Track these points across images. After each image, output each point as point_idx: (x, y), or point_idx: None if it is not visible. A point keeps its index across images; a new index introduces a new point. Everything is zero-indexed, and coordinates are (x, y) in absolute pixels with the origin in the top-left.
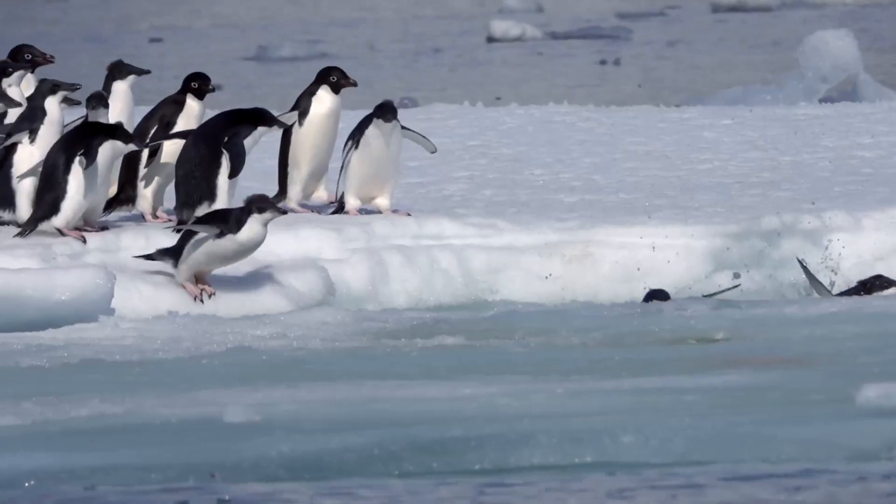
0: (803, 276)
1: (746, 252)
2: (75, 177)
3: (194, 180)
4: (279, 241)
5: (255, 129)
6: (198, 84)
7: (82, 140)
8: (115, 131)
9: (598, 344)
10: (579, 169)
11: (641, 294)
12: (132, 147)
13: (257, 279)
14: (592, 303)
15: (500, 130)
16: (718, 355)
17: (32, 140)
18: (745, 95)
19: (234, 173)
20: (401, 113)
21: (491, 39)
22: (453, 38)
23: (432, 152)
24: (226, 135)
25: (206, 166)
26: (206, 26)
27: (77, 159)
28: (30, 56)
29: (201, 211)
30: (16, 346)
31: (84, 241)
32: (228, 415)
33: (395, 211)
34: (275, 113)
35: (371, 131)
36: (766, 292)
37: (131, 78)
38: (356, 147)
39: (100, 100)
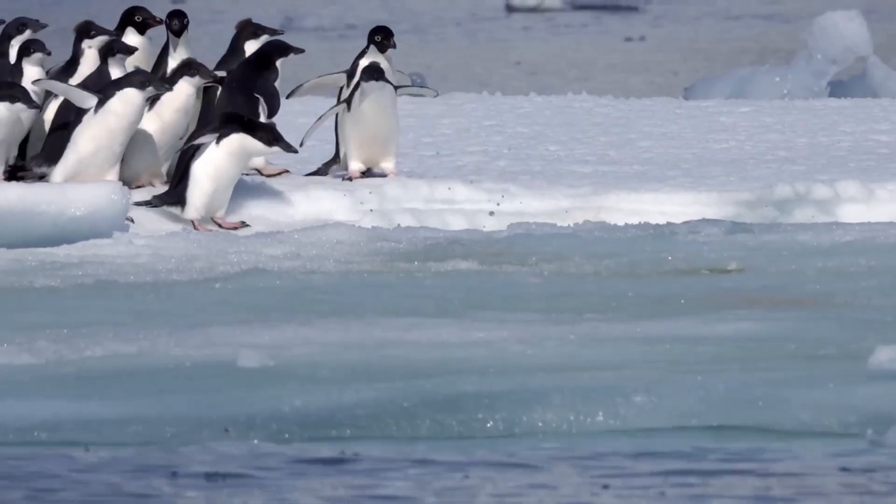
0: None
1: (759, 220)
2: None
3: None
4: (291, 204)
5: (278, 63)
6: (141, 18)
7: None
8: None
9: (611, 274)
10: (594, 146)
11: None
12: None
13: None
14: (606, 224)
15: (517, 113)
16: (731, 292)
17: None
18: (754, 76)
19: (272, 113)
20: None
21: (510, 8)
22: (472, 7)
23: (435, 96)
24: (256, 81)
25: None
26: None
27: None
28: (140, 18)
29: None
30: (30, 263)
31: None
32: (242, 359)
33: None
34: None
35: (360, 94)
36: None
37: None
38: (349, 110)
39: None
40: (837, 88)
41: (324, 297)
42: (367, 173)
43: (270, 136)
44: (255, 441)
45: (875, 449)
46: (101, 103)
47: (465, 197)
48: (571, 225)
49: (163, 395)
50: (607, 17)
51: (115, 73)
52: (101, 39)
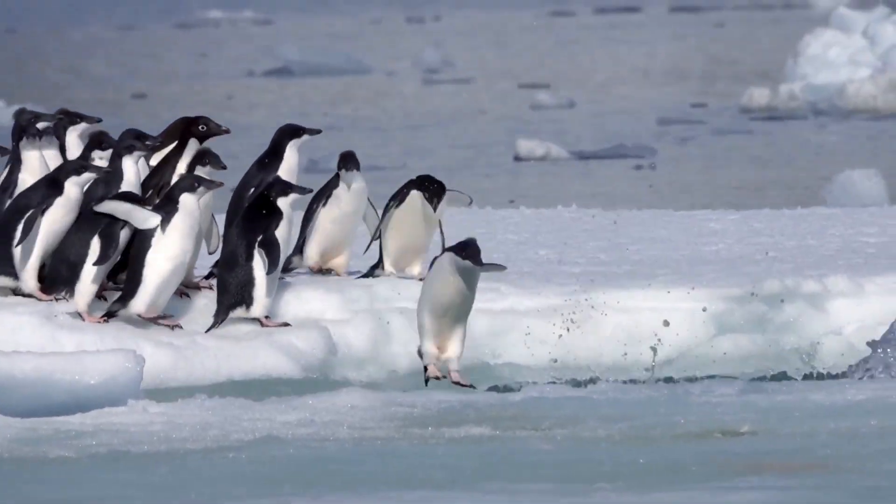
0: (806, 341)
1: (748, 315)
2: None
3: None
4: (281, 302)
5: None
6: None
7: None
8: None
9: (624, 438)
10: (584, 250)
11: (644, 358)
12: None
13: (259, 338)
14: (619, 384)
15: (507, 223)
16: (742, 457)
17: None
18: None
19: (272, 268)
20: None
21: (517, 158)
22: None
23: (469, 203)
24: (259, 232)
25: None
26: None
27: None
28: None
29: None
30: (45, 433)
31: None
32: None
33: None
34: None
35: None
36: (768, 356)
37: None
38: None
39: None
40: None
41: (336, 467)
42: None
43: None
44: None
45: None
46: (164, 221)
47: None
48: (586, 387)
49: None
50: (615, 163)
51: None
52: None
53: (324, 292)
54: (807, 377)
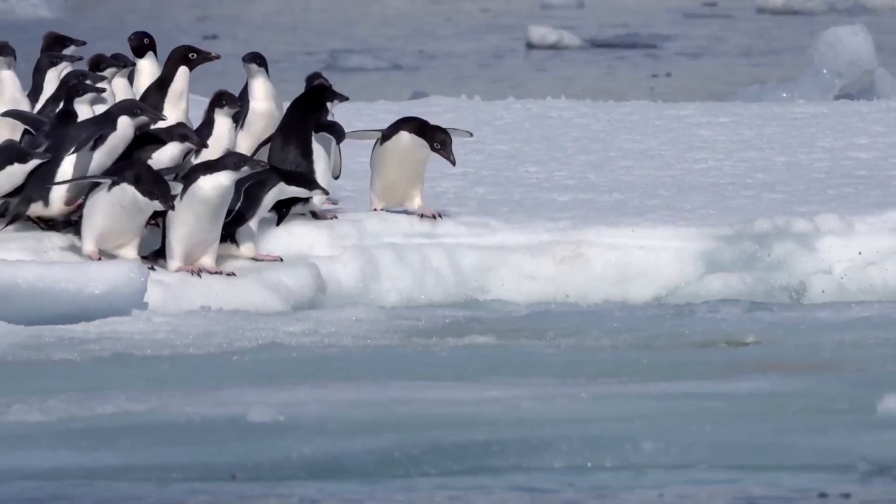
0: (795, 280)
1: (738, 254)
2: None
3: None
4: (271, 238)
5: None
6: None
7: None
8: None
9: (628, 346)
10: (574, 167)
11: (633, 296)
12: None
13: (248, 275)
14: (626, 303)
15: (496, 125)
16: (746, 360)
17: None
18: (762, 93)
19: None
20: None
21: (530, 45)
22: (493, 42)
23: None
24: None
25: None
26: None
27: None
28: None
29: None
30: (48, 339)
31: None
32: (252, 414)
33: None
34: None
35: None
36: (756, 294)
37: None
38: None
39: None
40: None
41: (340, 365)
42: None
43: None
44: (263, 482)
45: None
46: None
47: (444, 231)
48: (591, 305)
49: (170, 446)
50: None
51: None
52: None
53: (312, 228)
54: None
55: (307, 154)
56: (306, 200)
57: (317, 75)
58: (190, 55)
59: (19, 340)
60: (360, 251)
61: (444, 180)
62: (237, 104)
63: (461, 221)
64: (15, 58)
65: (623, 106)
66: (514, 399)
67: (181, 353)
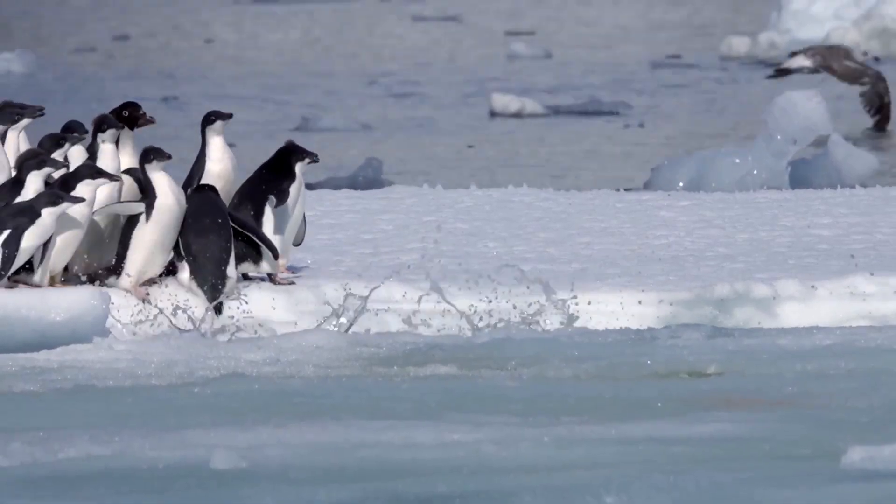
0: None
1: (697, 319)
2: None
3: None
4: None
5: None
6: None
7: None
8: None
9: (590, 377)
10: (533, 243)
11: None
12: None
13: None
14: (586, 329)
15: (456, 208)
16: (709, 394)
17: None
18: (715, 157)
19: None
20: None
21: (493, 114)
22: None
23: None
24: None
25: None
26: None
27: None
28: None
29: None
30: (10, 369)
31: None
32: (215, 460)
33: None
34: None
35: None
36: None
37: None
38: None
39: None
40: (800, 167)
41: (301, 400)
42: None
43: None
44: None
45: None
46: (148, 208)
47: (401, 296)
48: (552, 330)
49: (134, 494)
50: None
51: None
52: (112, 133)
53: (270, 294)
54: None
55: (258, 217)
56: (257, 261)
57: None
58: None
59: None
60: (318, 316)
61: (404, 254)
62: (165, 156)
63: (419, 287)
64: (85, 132)
65: (584, 193)
66: (477, 443)
67: (143, 384)
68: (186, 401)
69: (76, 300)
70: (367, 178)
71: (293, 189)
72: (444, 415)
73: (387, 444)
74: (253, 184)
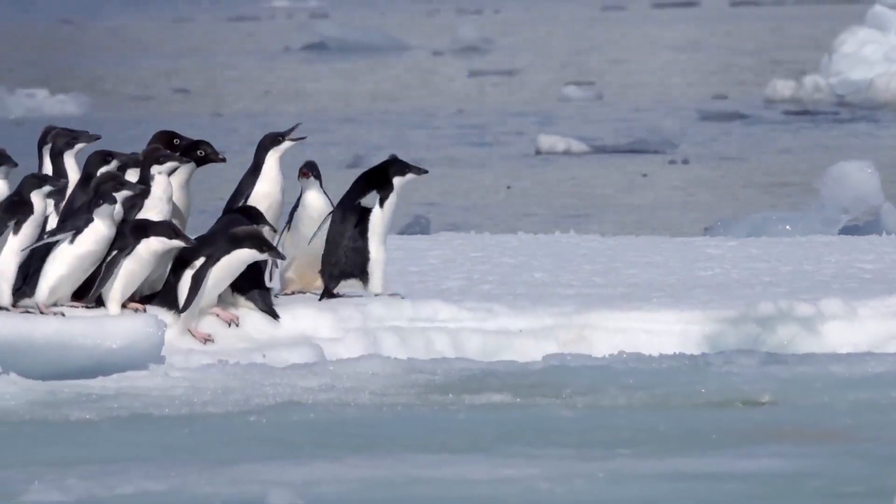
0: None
1: (742, 337)
2: None
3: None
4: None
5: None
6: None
7: None
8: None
9: (645, 406)
10: (579, 274)
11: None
12: None
13: (250, 355)
14: (641, 355)
15: (503, 247)
16: (762, 425)
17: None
18: (765, 223)
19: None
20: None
21: (538, 152)
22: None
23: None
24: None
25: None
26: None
27: None
28: (202, 153)
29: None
30: (66, 396)
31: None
32: (272, 497)
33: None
34: None
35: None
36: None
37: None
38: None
39: None
40: (850, 232)
41: (356, 431)
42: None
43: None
44: None
45: None
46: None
47: (448, 316)
48: (606, 356)
49: None
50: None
51: None
52: (170, 166)
53: (316, 310)
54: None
55: (364, 231)
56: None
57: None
58: (200, 152)
59: (37, 397)
60: (363, 333)
61: (448, 281)
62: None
63: (465, 306)
64: (14, 165)
65: (629, 238)
66: (531, 479)
67: (199, 412)
68: (242, 431)
69: (132, 327)
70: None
71: (386, 204)
72: (498, 448)
73: (440, 480)
74: (346, 204)
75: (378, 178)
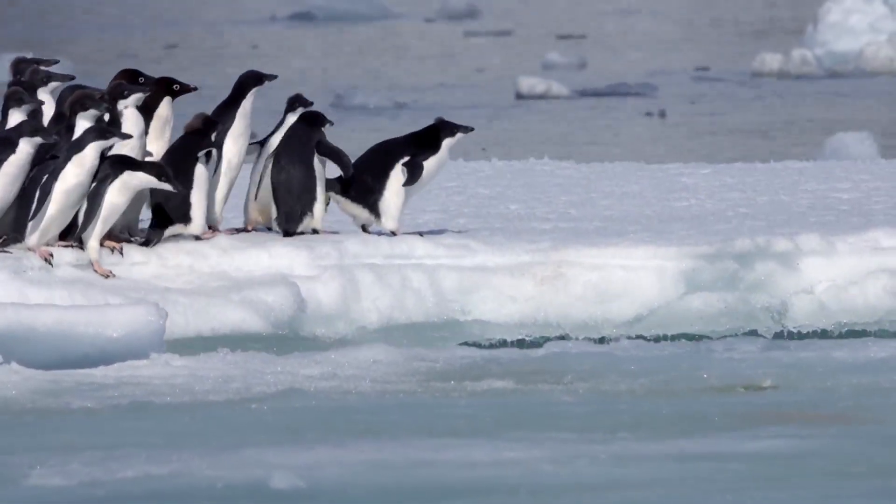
0: (776, 300)
1: (719, 274)
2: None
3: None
4: (250, 258)
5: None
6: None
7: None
8: None
9: (647, 391)
10: (555, 205)
11: (614, 316)
12: None
13: (227, 293)
14: (643, 341)
15: (477, 175)
16: (765, 409)
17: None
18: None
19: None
20: None
21: (519, 96)
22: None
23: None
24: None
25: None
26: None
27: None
28: (143, 79)
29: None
30: (67, 384)
31: None
32: (275, 480)
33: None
34: None
35: None
36: (737, 314)
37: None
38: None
39: None
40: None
41: (359, 416)
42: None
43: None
44: None
45: None
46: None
47: (424, 252)
48: (608, 344)
49: None
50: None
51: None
52: (136, 98)
53: (292, 248)
54: (777, 336)
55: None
56: (186, 222)
57: (298, 97)
58: (174, 86)
59: (39, 386)
60: (339, 271)
61: (423, 214)
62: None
63: (441, 243)
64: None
65: (604, 164)
66: (534, 461)
67: (200, 401)
68: (244, 418)
69: (133, 316)
70: None
71: (431, 162)
72: (500, 432)
73: (444, 463)
74: (393, 143)
75: (428, 140)
